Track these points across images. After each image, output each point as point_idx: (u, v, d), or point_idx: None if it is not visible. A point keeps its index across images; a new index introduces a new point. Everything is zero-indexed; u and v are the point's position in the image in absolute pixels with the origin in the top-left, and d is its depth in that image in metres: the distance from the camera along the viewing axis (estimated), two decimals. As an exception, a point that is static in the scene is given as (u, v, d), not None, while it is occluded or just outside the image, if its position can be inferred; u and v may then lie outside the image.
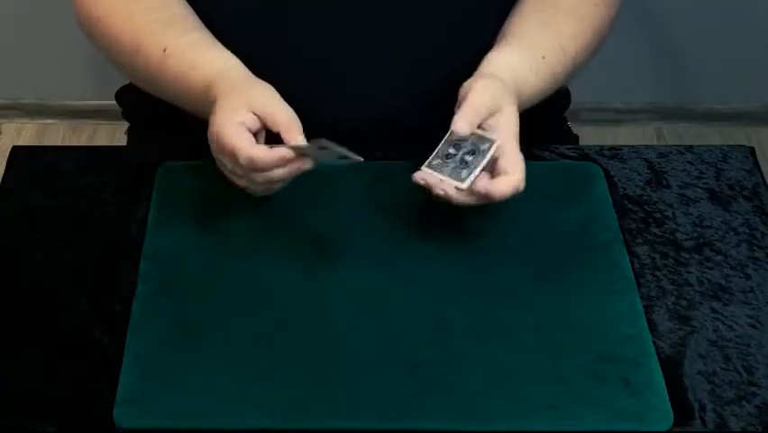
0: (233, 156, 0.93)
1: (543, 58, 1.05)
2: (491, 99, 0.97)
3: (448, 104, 1.02)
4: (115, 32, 1.07)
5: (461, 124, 0.95)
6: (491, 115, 0.97)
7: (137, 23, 1.05)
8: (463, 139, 0.96)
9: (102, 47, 1.10)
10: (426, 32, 1.10)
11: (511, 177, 0.94)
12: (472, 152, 0.96)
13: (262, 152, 0.92)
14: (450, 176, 0.95)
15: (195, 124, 1.14)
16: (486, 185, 0.93)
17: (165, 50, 1.03)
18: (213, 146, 0.96)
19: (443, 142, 0.97)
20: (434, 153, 0.97)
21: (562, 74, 1.08)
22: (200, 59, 1.02)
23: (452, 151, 0.96)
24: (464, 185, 0.94)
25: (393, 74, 1.10)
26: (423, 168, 0.96)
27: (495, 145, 0.95)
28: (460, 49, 1.09)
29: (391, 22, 1.09)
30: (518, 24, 1.08)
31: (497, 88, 0.98)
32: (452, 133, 0.97)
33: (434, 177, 0.95)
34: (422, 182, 0.95)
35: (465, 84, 0.99)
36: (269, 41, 1.07)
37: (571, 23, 1.08)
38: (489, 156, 0.95)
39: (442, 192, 0.94)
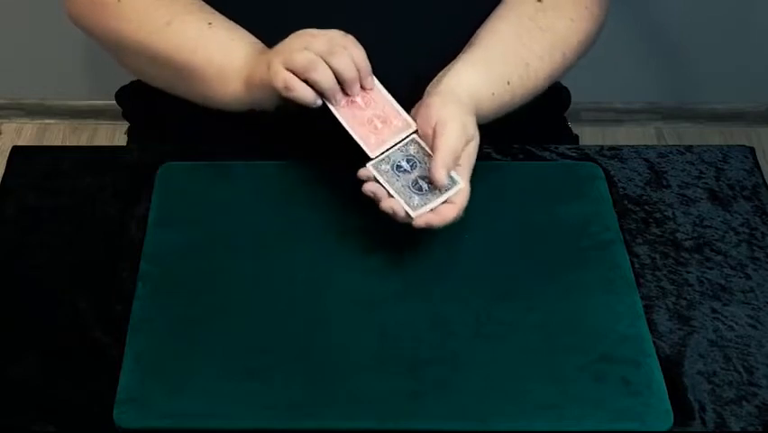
0: (331, 35, 0.97)
1: (507, 83, 1.04)
2: (464, 136, 0.96)
3: None
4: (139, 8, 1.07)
5: (442, 172, 0.93)
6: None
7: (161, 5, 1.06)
8: (420, 160, 0.96)
9: (109, 29, 1.10)
10: (426, 31, 1.10)
11: (455, 206, 0.94)
12: (430, 181, 0.94)
13: None
14: (400, 194, 0.94)
15: (195, 125, 1.14)
16: (428, 219, 0.93)
17: (210, 23, 1.05)
18: (300, 40, 0.97)
19: (396, 147, 0.96)
20: (383, 154, 0.96)
21: (521, 96, 1.07)
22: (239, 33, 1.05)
23: (404, 164, 0.96)
24: (414, 214, 0.92)
25: (392, 71, 1.10)
26: (369, 166, 0.95)
27: (457, 189, 0.94)
28: (460, 47, 1.09)
29: (390, 21, 1.09)
30: (491, 36, 1.07)
31: (467, 120, 0.97)
32: (408, 143, 0.96)
33: (382, 189, 0.94)
34: (369, 192, 0.94)
35: (432, 102, 0.97)
36: (266, 37, 1.07)
37: (542, 41, 1.08)
38: (447, 197, 0.94)
39: (389, 210, 0.93)
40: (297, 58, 0.96)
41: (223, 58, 1.03)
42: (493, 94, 1.03)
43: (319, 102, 0.96)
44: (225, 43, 1.04)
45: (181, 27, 1.05)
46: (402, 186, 0.94)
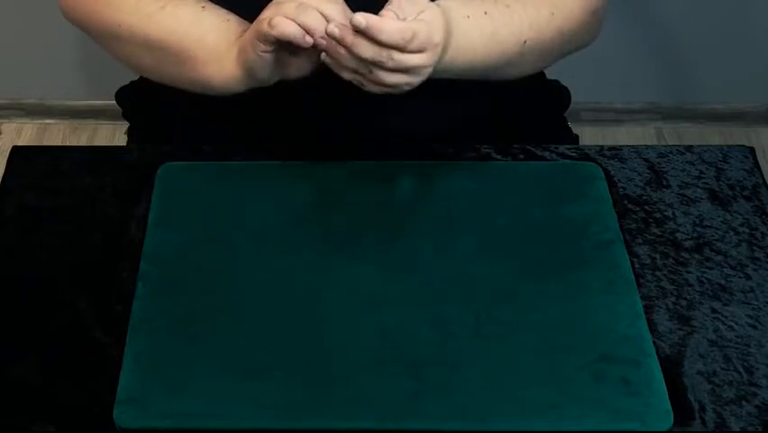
0: None
1: (485, 13, 1.03)
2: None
3: (446, 91, 1.02)
4: None
5: (390, 16, 0.93)
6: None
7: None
8: None
9: (103, 18, 1.09)
10: None
11: (402, 21, 0.93)
12: None
13: None
14: None
15: (195, 125, 1.14)
16: (368, 16, 0.91)
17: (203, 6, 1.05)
18: None
19: None
20: None
21: (505, 39, 1.05)
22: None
23: None
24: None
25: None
26: None
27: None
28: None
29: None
30: None
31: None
32: None
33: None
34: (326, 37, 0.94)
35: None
36: None
37: None
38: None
39: (336, 30, 0.92)
40: (285, 6, 0.95)
41: (215, 39, 1.02)
42: (468, 17, 1.02)
43: (308, 39, 0.94)
44: (218, 25, 1.03)
45: (174, 11, 1.04)
46: None
